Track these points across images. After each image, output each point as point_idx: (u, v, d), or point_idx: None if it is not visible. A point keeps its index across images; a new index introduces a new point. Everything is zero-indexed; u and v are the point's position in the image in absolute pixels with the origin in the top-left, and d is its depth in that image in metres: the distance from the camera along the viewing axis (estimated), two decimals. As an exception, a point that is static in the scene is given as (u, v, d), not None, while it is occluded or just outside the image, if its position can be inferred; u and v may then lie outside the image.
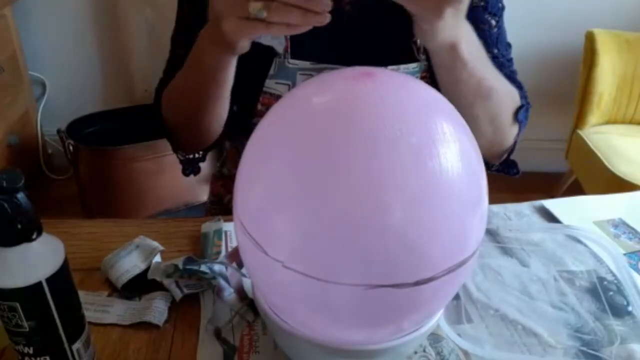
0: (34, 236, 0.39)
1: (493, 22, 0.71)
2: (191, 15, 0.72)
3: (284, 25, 0.49)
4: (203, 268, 0.57)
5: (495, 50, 0.71)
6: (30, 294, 0.39)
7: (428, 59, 0.72)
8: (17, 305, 0.39)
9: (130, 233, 0.63)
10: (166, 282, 0.56)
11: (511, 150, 0.73)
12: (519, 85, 0.72)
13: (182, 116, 0.72)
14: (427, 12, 0.51)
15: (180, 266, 0.57)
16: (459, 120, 0.39)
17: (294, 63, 0.69)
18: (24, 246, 0.38)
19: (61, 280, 0.40)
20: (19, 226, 0.37)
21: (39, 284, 0.39)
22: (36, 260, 0.39)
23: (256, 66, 0.70)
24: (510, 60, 0.74)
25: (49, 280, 0.39)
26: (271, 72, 0.70)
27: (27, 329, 0.40)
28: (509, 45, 0.74)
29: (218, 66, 0.61)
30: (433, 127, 0.35)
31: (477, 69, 0.59)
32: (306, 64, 0.68)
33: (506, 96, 0.67)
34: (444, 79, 0.62)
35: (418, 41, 0.69)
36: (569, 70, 2.01)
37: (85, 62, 2.08)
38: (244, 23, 0.49)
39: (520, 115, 0.69)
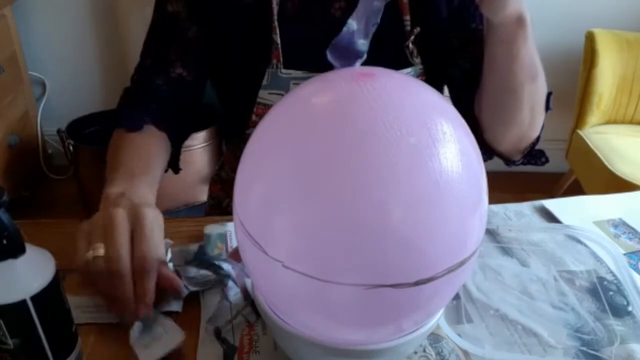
0: (18, 253, 0.37)
1: None
2: (162, 23, 0.72)
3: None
4: (217, 263, 0.58)
5: None
6: (14, 312, 0.38)
7: (423, 62, 0.71)
8: (1, 322, 0.38)
9: (130, 233, 0.62)
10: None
11: (536, 141, 0.72)
12: None
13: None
14: None
15: (196, 249, 0.59)
16: (459, 120, 0.39)
17: (286, 73, 0.68)
18: (9, 262, 0.37)
19: (49, 297, 0.39)
20: (4, 242, 0.36)
21: (23, 301, 0.38)
22: (21, 277, 0.38)
23: (249, 77, 0.70)
24: None
25: (34, 297, 0.38)
26: (264, 82, 0.69)
27: (12, 346, 0.39)
28: None
29: None
30: (433, 127, 0.35)
31: (532, 44, 0.60)
32: (299, 73, 0.68)
33: (543, 79, 0.66)
34: (501, 57, 0.61)
35: (411, 45, 0.69)
36: (569, 70, 2.01)
37: (85, 62, 2.08)
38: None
39: (550, 103, 0.68)
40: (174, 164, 0.78)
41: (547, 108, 0.69)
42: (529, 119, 0.66)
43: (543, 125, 0.70)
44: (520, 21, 0.57)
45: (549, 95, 0.68)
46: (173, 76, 0.71)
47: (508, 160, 0.75)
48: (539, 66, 0.64)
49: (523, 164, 0.75)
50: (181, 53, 0.71)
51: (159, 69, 0.71)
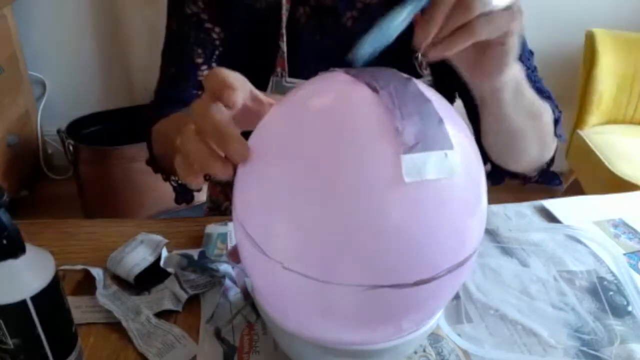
0: (18, 253, 0.37)
1: None
2: (180, 31, 0.70)
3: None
4: (212, 266, 0.58)
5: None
6: (14, 312, 0.38)
7: (432, 73, 0.70)
8: (1, 322, 0.38)
9: (130, 233, 0.63)
10: (170, 285, 0.56)
11: (550, 162, 0.72)
12: (548, 96, 0.68)
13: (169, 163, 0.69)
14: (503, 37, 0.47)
15: (196, 257, 0.58)
16: (458, 120, 0.39)
17: (291, 82, 0.67)
18: (9, 262, 0.37)
19: (49, 297, 0.39)
20: (4, 242, 0.36)
21: (23, 301, 0.38)
22: (21, 277, 0.38)
23: (252, 84, 0.69)
24: (535, 69, 0.71)
25: (34, 298, 0.38)
26: (268, 91, 0.68)
27: (12, 346, 0.39)
28: (531, 53, 0.72)
29: None
30: (433, 127, 0.35)
31: (527, 88, 0.56)
32: (304, 82, 0.67)
33: (548, 110, 0.64)
34: (496, 116, 0.56)
35: (420, 57, 0.68)
36: (569, 70, 2.01)
37: (85, 62, 2.09)
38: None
39: (558, 130, 0.67)
40: (187, 193, 0.74)
41: (557, 135, 0.67)
42: (539, 150, 0.65)
43: (557, 148, 0.69)
44: (512, 83, 0.51)
45: (557, 121, 0.66)
46: (201, 79, 0.69)
47: (524, 179, 0.73)
48: (540, 103, 0.60)
49: (537, 182, 0.73)
50: (208, 55, 0.69)
51: (187, 76, 0.70)
